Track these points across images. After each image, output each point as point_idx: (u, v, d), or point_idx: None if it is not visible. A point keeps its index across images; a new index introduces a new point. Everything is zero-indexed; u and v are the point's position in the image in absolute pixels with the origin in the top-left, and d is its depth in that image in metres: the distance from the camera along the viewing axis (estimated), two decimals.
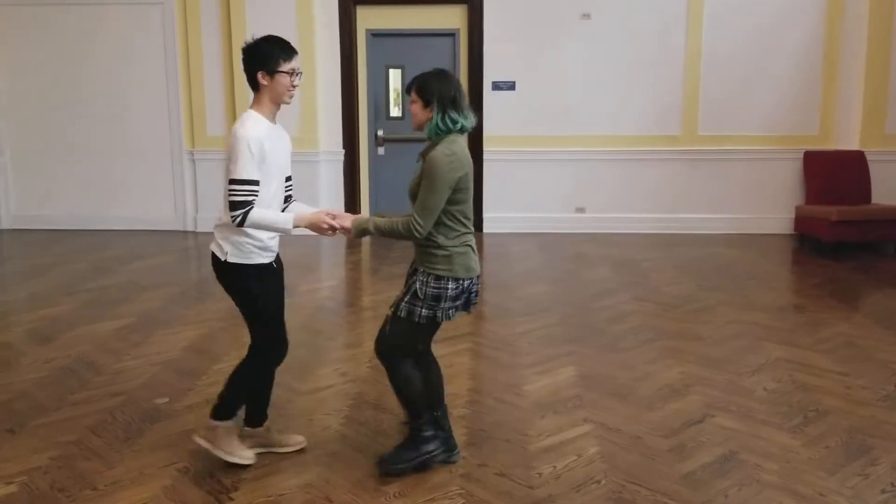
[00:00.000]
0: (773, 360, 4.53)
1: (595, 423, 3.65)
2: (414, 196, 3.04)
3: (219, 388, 4.09)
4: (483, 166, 8.74)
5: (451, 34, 8.76)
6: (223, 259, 3.08)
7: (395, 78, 8.91)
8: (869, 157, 8.12)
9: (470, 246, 3.08)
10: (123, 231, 8.98)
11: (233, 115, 8.64)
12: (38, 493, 3.03)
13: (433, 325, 3.12)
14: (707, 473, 3.17)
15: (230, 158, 2.97)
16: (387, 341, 3.13)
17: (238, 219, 2.94)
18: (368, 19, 8.81)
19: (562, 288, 6.36)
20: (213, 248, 3.13)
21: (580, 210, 8.82)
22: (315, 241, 7.92)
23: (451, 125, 3.01)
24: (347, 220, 3.09)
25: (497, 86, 8.68)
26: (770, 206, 8.69)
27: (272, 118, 3.09)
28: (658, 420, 3.69)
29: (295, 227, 3.03)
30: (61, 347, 4.81)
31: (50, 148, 9.13)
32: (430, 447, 3.19)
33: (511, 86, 8.67)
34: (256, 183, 2.96)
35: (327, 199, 8.60)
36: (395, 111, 9.00)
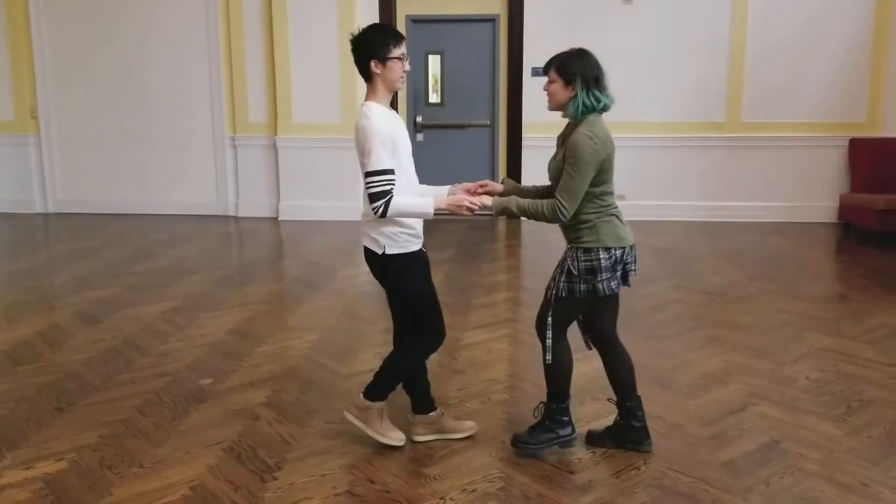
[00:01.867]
0: (816, 350, 4.47)
1: None
2: (554, 177, 3.04)
3: (263, 370, 4.19)
4: (522, 153, 8.70)
5: (492, 20, 8.72)
6: (381, 252, 3.09)
7: (434, 64, 8.88)
8: None
9: (615, 216, 3.06)
10: (166, 216, 9.12)
11: (273, 102, 8.72)
12: (87, 470, 3.11)
13: (599, 300, 3.09)
14: (748, 462, 3.14)
15: (362, 152, 2.98)
16: (545, 321, 3.13)
17: (380, 209, 2.95)
18: (408, 5, 8.81)
19: None
20: (367, 243, 3.13)
21: (621, 197, 8.42)
22: (353, 227, 7.96)
23: (595, 103, 3.01)
24: (487, 199, 3.11)
25: (537, 72, 8.60)
26: (814, 194, 8.55)
27: (388, 105, 3.11)
28: (699, 408, 3.67)
29: (435, 210, 3.04)
30: (108, 329, 4.92)
31: (93, 133, 9.31)
32: (565, 431, 3.21)
33: None
34: (392, 172, 2.97)
35: None
36: (433, 97, 8.99)
